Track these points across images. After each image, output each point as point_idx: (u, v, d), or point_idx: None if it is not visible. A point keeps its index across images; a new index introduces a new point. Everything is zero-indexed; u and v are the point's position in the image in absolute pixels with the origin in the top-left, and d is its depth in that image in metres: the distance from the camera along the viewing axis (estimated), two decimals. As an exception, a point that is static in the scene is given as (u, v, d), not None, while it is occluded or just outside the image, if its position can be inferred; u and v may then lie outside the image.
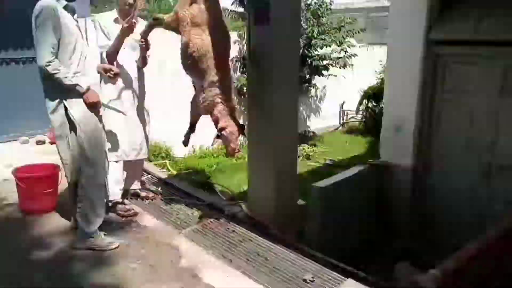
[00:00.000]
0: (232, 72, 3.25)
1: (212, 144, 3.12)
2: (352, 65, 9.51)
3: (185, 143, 3.53)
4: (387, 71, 5.16)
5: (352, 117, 12.10)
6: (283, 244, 3.10)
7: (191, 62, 2.94)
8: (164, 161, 5.70)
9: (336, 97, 11.57)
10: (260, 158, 3.45)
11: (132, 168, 3.62)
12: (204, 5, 2.92)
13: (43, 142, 5.42)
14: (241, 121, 3.08)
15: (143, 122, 3.49)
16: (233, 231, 3.30)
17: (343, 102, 11.93)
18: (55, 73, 2.57)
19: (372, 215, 5.04)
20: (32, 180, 3.40)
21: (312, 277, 2.67)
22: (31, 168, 3.56)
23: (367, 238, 4.87)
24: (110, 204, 3.44)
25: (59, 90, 2.66)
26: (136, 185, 3.78)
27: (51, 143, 5.50)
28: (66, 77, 2.60)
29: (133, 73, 3.37)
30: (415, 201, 5.00)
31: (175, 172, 5.21)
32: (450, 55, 4.57)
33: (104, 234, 3.01)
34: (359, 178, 4.96)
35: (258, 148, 3.43)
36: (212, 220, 3.45)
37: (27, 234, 3.17)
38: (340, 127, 12.20)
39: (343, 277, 2.69)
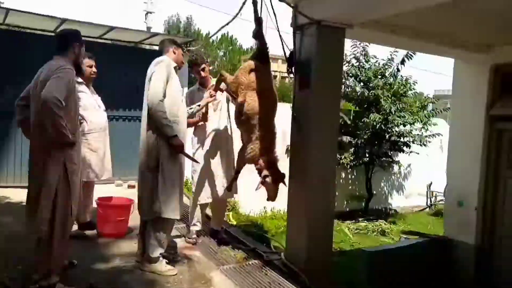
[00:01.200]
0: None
1: (257, 189, 3.53)
2: (427, 142, 9.38)
3: (229, 188, 3.91)
4: (450, 146, 5.17)
5: (442, 200, 11.48)
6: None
7: (244, 119, 3.49)
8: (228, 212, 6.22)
9: (422, 177, 11.21)
10: (296, 209, 3.76)
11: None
12: (260, 73, 3.53)
13: (134, 187, 6.35)
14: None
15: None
16: (266, 274, 3.56)
17: (431, 183, 11.46)
18: (160, 110, 3.11)
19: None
20: (108, 207, 4.14)
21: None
22: (110, 199, 4.34)
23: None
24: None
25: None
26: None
27: (140, 188, 6.40)
28: (165, 118, 3.14)
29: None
30: (479, 280, 4.68)
31: (234, 222, 5.66)
32: (512, 131, 4.53)
33: (166, 262, 3.44)
34: (415, 250, 4.88)
35: (295, 200, 3.76)
36: (250, 262, 3.76)
37: (97, 251, 3.82)
38: (427, 208, 11.60)
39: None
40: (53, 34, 6.59)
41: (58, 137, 2.67)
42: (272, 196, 3.36)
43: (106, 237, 4.08)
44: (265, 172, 3.32)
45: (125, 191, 6.28)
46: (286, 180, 3.83)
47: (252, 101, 3.42)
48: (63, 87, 2.68)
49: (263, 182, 3.32)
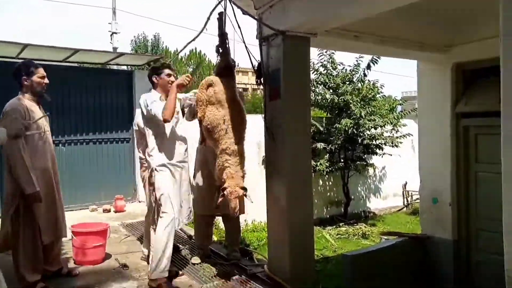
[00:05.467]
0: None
1: (216, 203, 3.50)
2: (399, 143, 9.63)
3: (217, 206, 3.86)
4: (420, 145, 5.30)
5: (418, 199, 11.72)
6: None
7: (206, 133, 3.48)
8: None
9: (397, 177, 11.44)
10: (276, 220, 3.75)
11: None
12: (219, 87, 3.51)
13: (109, 211, 6.21)
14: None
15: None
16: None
17: (405, 183, 11.70)
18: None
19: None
20: (84, 234, 4.01)
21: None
22: (85, 225, 4.21)
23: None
24: None
25: None
26: None
27: (116, 211, 6.27)
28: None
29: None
30: (459, 276, 4.77)
31: (216, 239, 5.58)
32: (478, 127, 4.68)
33: None
34: (396, 250, 4.93)
35: (274, 210, 3.75)
36: (234, 277, 3.71)
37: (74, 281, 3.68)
38: (404, 208, 11.82)
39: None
40: (15, 60, 6.43)
41: None
42: (231, 211, 3.26)
43: (83, 265, 3.95)
44: (224, 185, 3.26)
45: (100, 215, 6.12)
46: (263, 192, 3.83)
47: (211, 115, 3.42)
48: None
49: (222, 195, 3.27)
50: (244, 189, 3.28)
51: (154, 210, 3.54)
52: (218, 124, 3.33)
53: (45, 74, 3.31)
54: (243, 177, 3.35)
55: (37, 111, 3.27)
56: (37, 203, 3.14)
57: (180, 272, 3.79)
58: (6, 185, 3.17)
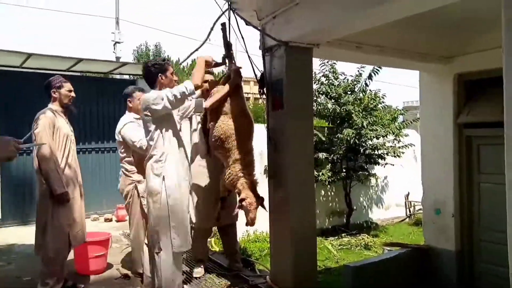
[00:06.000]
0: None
1: (234, 213, 3.49)
2: (401, 153, 9.60)
3: (217, 218, 3.86)
4: (422, 156, 5.29)
5: (420, 209, 11.67)
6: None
7: (216, 144, 3.49)
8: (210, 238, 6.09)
9: (400, 188, 11.40)
10: (279, 230, 3.73)
11: None
12: (231, 97, 3.55)
13: (110, 220, 6.20)
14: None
15: None
16: (253, 298, 3.50)
17: (408, 193, 11.65)
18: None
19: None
20: (86, 243, 3.99)
21: None
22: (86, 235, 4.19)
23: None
24: None
25: None
26: None
27: (117, 221, 6.26)
28: None
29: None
30: (462, 285, 4.73)
31: (217, 249, 5.55)
32: (481, 137, 4.67)
33: None
34: (399, 261, 4.90)
35: (277, 221, 3.73)
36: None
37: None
38: (407, 219, 11.75)
39: None
40: (19, 69, 6.48)
41: None
42: (250, 221, 3.23)
43: (84, 274, 3.93)
44: (241, 196, 3.27)
45: (102, 225, 6.11)
46: (266, 202, 3.82)
47: (224, 125, 3.42)
48: None
49: (240, 207, 3.26)
50: (261, 198, 3.28)
51: (157, 230, 3.08)
52: (232, 134, 3.34)
53: (72, 88, 3.64)
54: (255, 186, 3.35)
55: (62, 121, 3.54)
56: (66, 207, 3.38)
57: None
58: (38, 187, 3.41)
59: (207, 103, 3.53)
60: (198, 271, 4.01)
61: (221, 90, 3.55)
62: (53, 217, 3.33)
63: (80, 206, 3.62)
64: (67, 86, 3.60)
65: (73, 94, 3.64)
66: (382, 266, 4.72)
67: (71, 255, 4.05)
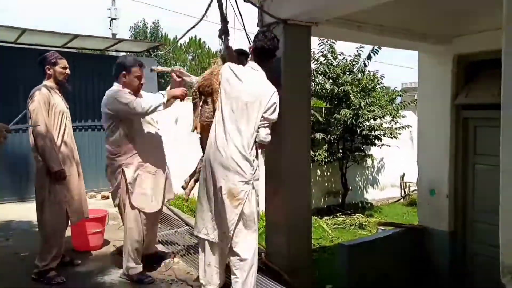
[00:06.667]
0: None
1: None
2: (398, 135, 9.64)
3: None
4: (419, 137, 5.30)
5: (415, 190, 11.79)
6: (293, 291, 3.28)
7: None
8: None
9: (395, 169, 11.49)
10: (274, 209, 3.76)
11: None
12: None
13: (107, 197, 6.22)
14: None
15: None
16: (248, 275, 3.54)
17: (403, 174, 11.76)
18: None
19: (406, 278, 4.90)
20: (83, 220, 4.02)
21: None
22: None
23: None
24: None
25: None
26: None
27: (114, 198, 6.27)
28: None
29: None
30: (455, 267, 4.82)
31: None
32: (478, 119, 4.68)
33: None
34: (393, 240, 4.97)
35: (273, 200, 3.76)
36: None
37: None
38: (402, 199, 11.90)
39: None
40: (13, 45, 6.38)
41: None
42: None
43: (82, 251, 3.98)
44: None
45: (99, 202, 6.14)
46: (262, 180, 3.83)
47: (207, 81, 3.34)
48: None
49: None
50: None
51: None
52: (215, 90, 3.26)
53: (67, 65, 3.53)
54: None
55: (57, 99, 3.45)
56: (63, 184, 3.35)
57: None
58: (36, 165, 3.38)
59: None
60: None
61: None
62: (50, 194, 3.32)
63: (79, 184, 3.60)
64: (62, 63, 3.50)
65: (68, 71, 3.54)
66: (376, 245, 4.79)
67: (68, 232, 4.08)
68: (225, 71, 3.02)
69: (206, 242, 2.97)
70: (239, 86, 2.93)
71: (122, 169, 3.25)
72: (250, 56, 3.28)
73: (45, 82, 3.46)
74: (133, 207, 3.28)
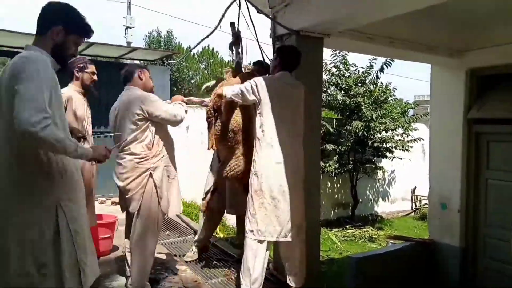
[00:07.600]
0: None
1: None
2: (409, 147, 9.56)
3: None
4: (430, 150, 5.26)
5: (426, 204, 11.65)
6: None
7: (230, 135, 3.37)
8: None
9: (407, 182, 11.38)
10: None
11: None
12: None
13: (117, 203, 6.26)
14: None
15: None
16: (255, 285, 3.53)
17: (415, 187, 11.63)
18: None
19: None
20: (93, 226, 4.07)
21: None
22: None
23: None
24: None
25: None
26: None
27: (124, 204, 6.32)
28: None
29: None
30: (465, 283, 4.73)
31: (222, 235, 5.61)
32: (490, 134, 4.62)
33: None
34: (402, 254, 4.90)
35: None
36: (238, 275, 3.73)
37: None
38: (412, 213, 11.76)
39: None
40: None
41: None
42: None
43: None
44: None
45: (109, 208, 6.19)
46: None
47: (237, 117, 3.41)
48: None
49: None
50: None
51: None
52: (244, 126, 3.35)
53: (95, 71, 3.63)
54: None
55: (80, 102, 3.51)
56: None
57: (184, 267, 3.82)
58: None
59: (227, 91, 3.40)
60: (189, 256, 4.02)
61: (232, 81, 3.53)
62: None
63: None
64: (91, 68, 3.58)
65: (95, 77, 3.61)
66: (386, 259, 4.72)
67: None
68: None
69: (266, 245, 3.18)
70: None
71: (150, 172, 3.06)
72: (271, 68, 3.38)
73: (71, 85, 3.51)
74: (160, 211, 3.15)
